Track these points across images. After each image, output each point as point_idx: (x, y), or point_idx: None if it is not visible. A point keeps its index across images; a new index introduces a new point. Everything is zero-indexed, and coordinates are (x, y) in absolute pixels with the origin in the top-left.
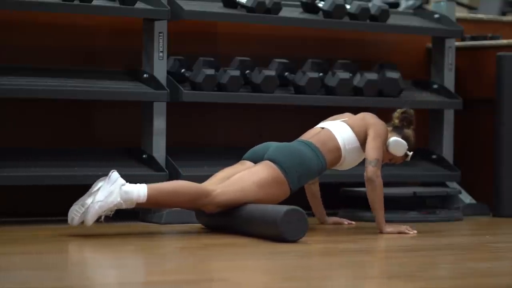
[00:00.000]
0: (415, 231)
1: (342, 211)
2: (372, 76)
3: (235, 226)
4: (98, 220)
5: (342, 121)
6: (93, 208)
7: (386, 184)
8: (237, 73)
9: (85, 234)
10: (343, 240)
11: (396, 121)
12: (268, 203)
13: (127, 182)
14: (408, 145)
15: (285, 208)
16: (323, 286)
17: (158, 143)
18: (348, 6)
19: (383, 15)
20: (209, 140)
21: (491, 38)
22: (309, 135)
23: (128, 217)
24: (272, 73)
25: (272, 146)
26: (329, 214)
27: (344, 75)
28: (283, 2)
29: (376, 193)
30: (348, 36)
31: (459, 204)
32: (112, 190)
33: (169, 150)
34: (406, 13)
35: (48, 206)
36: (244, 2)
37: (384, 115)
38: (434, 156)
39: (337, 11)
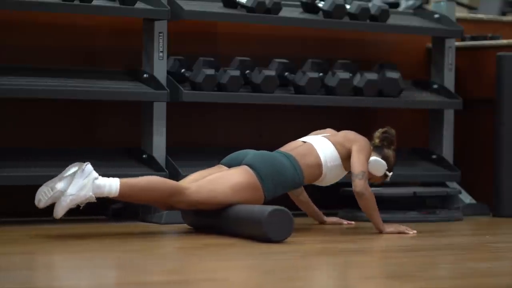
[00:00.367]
0: (415, 231)
1: (342, 211)
2: (372, 76)
3: (222, 226)
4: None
5: (324, 136)
6: (64, 202)
7: (386, 184)
8: (237, 73)
9: (85, 234)
10: (342, 240)
11: (377, 140)
12: None
13: None
14: (388, 165)
15: (270, 208)
16: (322, 286)
17: (158, 143)
18: (348, 6)
19: (383, 15)
20: (209, 140)
21: (491, 38)
22: (290, 148)
23: (128, 217)
24: (272, 73)
25: (251, 153)
26: (329, 214)
27: (344, 75)
28: (283, 2)
29: (369, 204)
30: (348, 36)
31: (459, 204)
32: (85, 183)
33: (169, 150)
34: (406, 13)
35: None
36: (244, 2)
37: (384, 115)
38: (434, 156)
39: (337, 11)
